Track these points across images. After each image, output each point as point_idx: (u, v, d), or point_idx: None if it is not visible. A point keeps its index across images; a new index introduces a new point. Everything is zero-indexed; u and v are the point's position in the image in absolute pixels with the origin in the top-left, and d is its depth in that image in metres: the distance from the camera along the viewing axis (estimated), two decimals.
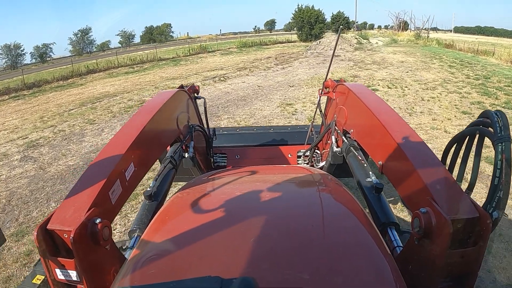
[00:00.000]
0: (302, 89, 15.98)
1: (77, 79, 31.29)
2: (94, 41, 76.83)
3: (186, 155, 3.64)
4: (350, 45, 34.23)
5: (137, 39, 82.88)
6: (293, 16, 54.10)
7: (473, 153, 2.48)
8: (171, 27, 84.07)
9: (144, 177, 2.74)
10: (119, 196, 2.17)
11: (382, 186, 2.57)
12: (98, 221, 1.76)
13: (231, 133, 5.85)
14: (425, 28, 48.64)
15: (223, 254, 1.53)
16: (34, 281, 2.06)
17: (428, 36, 43.40)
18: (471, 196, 1.97)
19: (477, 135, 2.45)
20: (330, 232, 1.78)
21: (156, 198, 2.66)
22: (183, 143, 3.62)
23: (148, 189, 2.63)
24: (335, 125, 3.79)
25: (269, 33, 77.00)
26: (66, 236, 1.67)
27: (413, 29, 53.35)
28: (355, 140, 3.33)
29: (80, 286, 1.76)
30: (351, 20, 62.79)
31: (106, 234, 1.81)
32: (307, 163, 4.91)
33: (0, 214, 7.44)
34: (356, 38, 38.13)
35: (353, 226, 1.86)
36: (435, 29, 47.67)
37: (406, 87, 15.80)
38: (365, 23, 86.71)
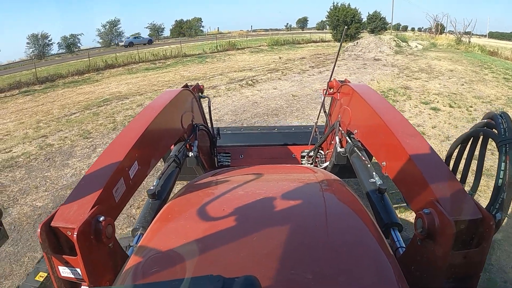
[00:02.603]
0: None
1: (93, 74, 29.43)
2: (123, 33, 76.45)
3: (190, 154, 3.65)
4: (390, 48, 32.05)
5: (166, 33, 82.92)
6: (327, 14, 52.19)
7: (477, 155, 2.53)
8: (202, 21, 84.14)
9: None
10: (123, 194, 2.16)
11: (385, 187, 2.57)
12: (101, 218, 1.76)
13: (235, 132, 5.83)
14: (466, 33, 45.85)
15: (226, 253, 1.54)
16: (37, 278, 2.05)
17: (469, 41, 40.55)
18: (475, 198, 1.99)
19: (481, 137, 2.46)
20: (333, 232, 1.79)
21: (160, 196, 2.64)
22: (187, 142, 3.66)
23: (152, 187, 2.62)
24: (339, 125, 3.81)
25: (301, 31, 75.84)
26: (70, 234, 1.67)
27: (450, 32, 50.62)
28: (359, 141, 3.32)
29: (83, 283, 1.76)
30: (387, 21, 60.51)
31: (110, 232, 1.81)
32: (311, 163, 4.89)
33: None
34: (394, 41, 35.73)
35: (356, 227, 1.88)
36: (469, 34, 45.14)
37: (470, 106, 12.97)
38: (399, 25, 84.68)
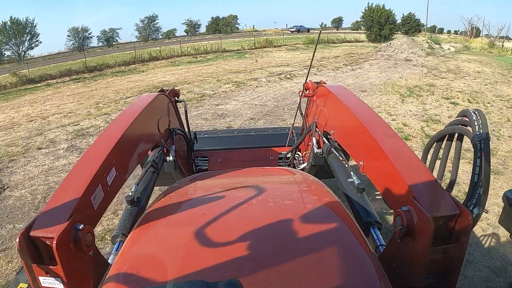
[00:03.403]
0: (375, 96, 14.80)
1: (139, 65, 31.43)
2: (160, 28, 79.25)
3: (168, 159, 3.66)
4: (422, 49, 32.63)
5: (202, 29, 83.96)
6: (362, 14, 52.40)
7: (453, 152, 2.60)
8: (237, 19, 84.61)
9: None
10: (101, 201, 2.15)
11: (363, 186, 2.62)
12: (80, 227, 1.75)
13: (212, 136, 5.90)
14: (500, 36, 45.73)
15: (208, 258, 1.54)
16: None
17: (502, 45, 40.55)
18: (452, 194, 2.02)
19: (456, 134, 2.56)
20: (313, 232, 1.77)
21: (138, 202, 2.65)
22: (164, 147, 3.64)
23: (130, 193, 2.61)
24: (316, 126, 3.84)
25: (336, 31, 75.84)
26: (49, 243, 1.63)
27: (486, 36, 50.39)
28: (336, 141, 3.38)
29: None
30: (421, 23, 60.53)
31: (89, 240, 1.80)
32: (289, 165, 4.92)
33: (33, 213, 6.76)
34: (427, 43, 36.30)
35: (336, 226, 1.89)
36: (504, 38, 44.73)
37: (488, 103, 14.14)
38: (434, 27, 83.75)
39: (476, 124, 2.25)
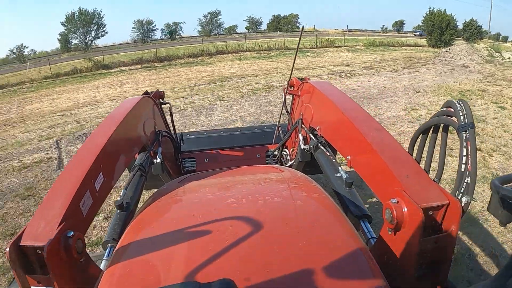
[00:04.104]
0: (428, 96, 15.73)
1: (206, 58, 33.52)
2: (222, 24, 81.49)
3: (155, 161, 3.65)
4: (481, 56, 32.51)
5: (263, 27, 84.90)
6: (423, 19, 51.85)
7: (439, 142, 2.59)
8: (298, 18, 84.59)
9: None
10: (90, 207, 2.16)
11: (352, 180, 2.65)
12: (70, 234, 1.76)
13: (198, 137, 5.90)
14: None
15: (200, 259, 1.52)
16: None
17: None
18: (440, 184, 2.04)
19: (442, 125, 2.56)
20: (304, 228, 1.79)
21: (128, 207, 2.66)
22: (151, 149, 3.63)
23: (119, 198, 2.63)
24: (302, 123, 3.88)
25: (397, 34, 74.89)
26: (40, 252, 1.65)
27: None
28: (322, 137, 3.37)
29: None
30: (483, 30, 59.60)
31: (80, 247, 1.81)
32: (276, 162, 4.99)
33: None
34: (488, 50, 36.06)
35: (327, 222, 1.91)
36: None
37: None
38: (498, 35, 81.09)
39: (461, 114, 2.27)
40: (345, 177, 2.69)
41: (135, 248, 1.76)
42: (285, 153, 4.85)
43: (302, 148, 3.69)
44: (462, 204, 1.96)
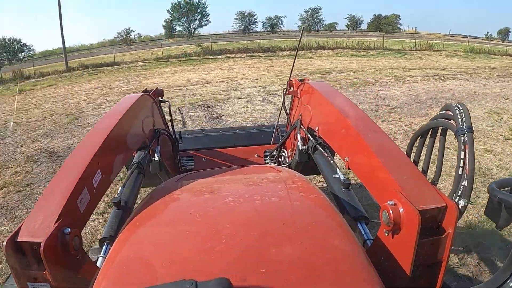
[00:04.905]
0: None
1: (306, 52, 35.16)
2: (323, 20, 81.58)
3: (153, 159, 3.61)
4: None
5: (364, 26, 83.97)
6: None
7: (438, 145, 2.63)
8: (400, 18, 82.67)
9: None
10: (88, 204, 2.14)
11: (349, 181, 2.61)
12: (67, 231, 1.74)
13: (197, 135, 5.85)
14: None
15: (196, 257, 1.52)
16: None
17: None
18: (437, 187, 2.00)
19: (440, 128, 2.58)
20: (301, 229, 1.76)
21: (125, 204, 2.62)
22: (149, 147, 3.60)
23: (116, 196, 2.58)
24: (301, 123, 3.85)
25: (501, 43, 71.06)
26: (36, 248, 1.63)
27: None
28: (321, 138, 3.35)
29: None
30: None
31: (77, 244, 1.79)
32: (274, 163, 4.95)
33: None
34: None
35: (324, 222, 1.89)
36: None
37: None
38: None
39: (459, 117, 2.26)
40: (343, 178, 2.67)
41: (132, 245, 1.76)
42: (283, 153, 4.82)
43: (300, 148, 3.66)
44: (459, 207, 2.03)
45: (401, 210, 1.69)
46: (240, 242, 1.58)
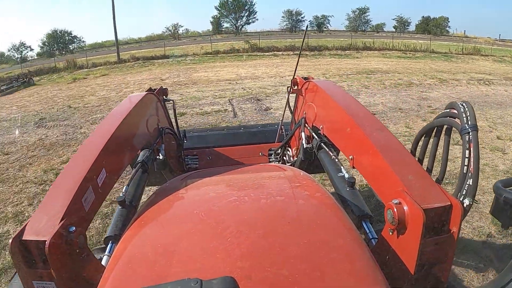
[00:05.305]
0: None
1: (353, 52, 35.82)
2: (370, 21, 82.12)
3: (158, 158, 3.60)
4: None
5: (411, 27, 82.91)
6: None
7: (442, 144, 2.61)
8: (448, 21, 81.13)
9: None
10: (92, 203, 2.15)
11: (354, 180, 2.59)
12: (72, 229, 1.75)
13: (201, 134, 5.80)
14: None
15: (201, 256, 1.51)
16: None
17: None
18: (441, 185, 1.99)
19: (445, 126, 2.56)
20: (306, 227, 1.76)
21: (130, 203, 2.62)
22: (153, 146, 3.57)
23: (121, 194, 2.57)
24: (305, 122, 3.81)
25: None
26: (41, 247, 1.62)
27: None
28: (325, 136, 3.32)
29: None
30: None
31: (82, 243, 1.79)
32: (279, 161, 4.88)
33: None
34: None
35: (329, 221, 1.87)
36: None
37: None
38: None
39: (464, 116, 2.23)
40: (347, 176, 2.64)
41: (137, 244, 1.76)
42: (288, 152, 4.77)
43: (304, 147, 3.62)
44: (464, 206, 2.04)
45: (406, 209, 1.70)
46: (245, 241, 1.57)
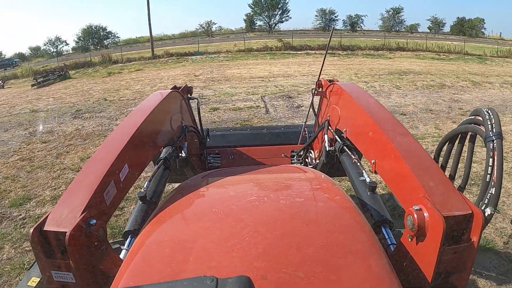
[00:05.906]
0: None
1: (386, 52, 35.82)
2: (404, 21, 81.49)
3: (180, 155, 3.61)
4: None
5: (446, 28, 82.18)
6: None
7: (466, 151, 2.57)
8: (484, 23, 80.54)
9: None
10: (114, 197, 2.17)
11: (375, 184, 2.58)
12: (93, 222, 1.78)
13: (224, 133, 5.76)
14: None
15: (218, 254, 1.52)
16: (29, 283, 2.06)
17: None
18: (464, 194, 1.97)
19: (469, 133, 2.52)
20: (325, 230, 1.75)
21: (150, 199, 2.65)
22: (176, 144, 3.59)
23: (142, 190, 2.61)
24: (328, 124, 3.81)
25: None
26: (62, 238, 1.66)
27: None
28: (348, 139, 3.32)
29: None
30: None
31: (101, 235, 1.83)
32: (301, 163, 4.89)
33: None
34: None
35: (347, 225, 1.87)
36: None
37: None
38: None
39: (489, 123, 2.20)
40: (368, 181, 2.64)
41: (155, 239, 1.77)
42: (310, 154, 4.75)
43: (327, 149, 3.61)
44: (485, 215, 2.00)
45: (426, 215, 1.68)
46: (262, 241, 1.56)
